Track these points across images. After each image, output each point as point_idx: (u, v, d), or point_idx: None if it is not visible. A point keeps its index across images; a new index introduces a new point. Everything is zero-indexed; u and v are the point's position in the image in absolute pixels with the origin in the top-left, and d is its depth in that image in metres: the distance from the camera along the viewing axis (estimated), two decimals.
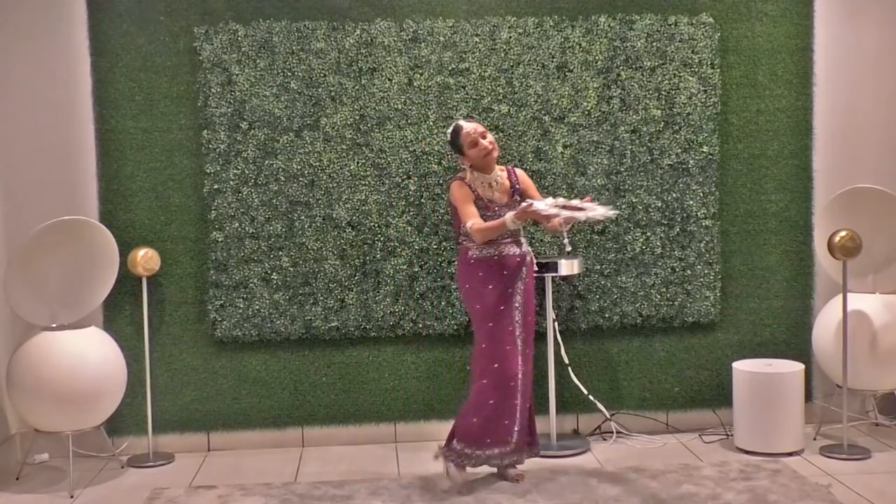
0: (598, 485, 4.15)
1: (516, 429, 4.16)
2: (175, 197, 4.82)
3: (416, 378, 4.93)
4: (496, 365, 4.10)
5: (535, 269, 4.27)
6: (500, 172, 4.24)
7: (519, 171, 4.32)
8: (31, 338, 4.38)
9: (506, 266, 4.14)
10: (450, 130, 4.24)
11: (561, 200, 3.89)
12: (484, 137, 4.14)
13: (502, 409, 4.12)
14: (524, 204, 3.94)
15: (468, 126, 4.16)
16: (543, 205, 3.83)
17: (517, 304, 4.14)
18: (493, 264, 4.14)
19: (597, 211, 3.81)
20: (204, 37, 4.76)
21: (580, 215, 3.81)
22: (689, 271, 4.94)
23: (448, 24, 4.82)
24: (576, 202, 3.87)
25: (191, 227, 4.84)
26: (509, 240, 4.17)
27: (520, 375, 4.13)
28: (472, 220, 4.07)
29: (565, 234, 4.03)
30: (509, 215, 3.98)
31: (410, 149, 4.83)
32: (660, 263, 4.93)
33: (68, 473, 4.42)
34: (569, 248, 4.13)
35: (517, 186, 4.24)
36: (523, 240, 4.25)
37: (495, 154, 4.18)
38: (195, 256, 4.85)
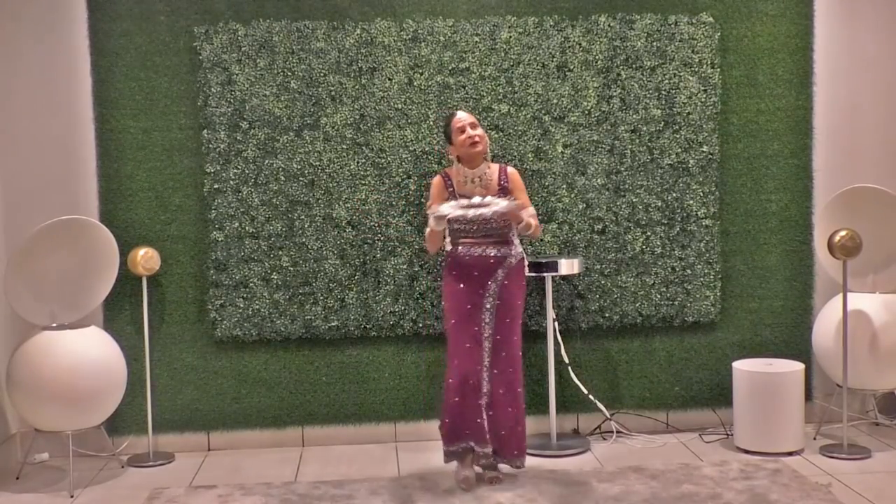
0: (598, 485, 4.15)
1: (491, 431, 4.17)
2: (175, 196, 4.82)
3: (416, 378, 4.93)
4: (456, 362, 4.14)
5: (527, 270, 4.33)
6: (489, 169, 4.24)
7: (511, 171, 4.30)
8: (31, 337, 4.38)
9: (476, 267, 4.17)
10: (445, 117, 4.34)
11: (464, 202, 4.05)
12: (474, 128, 4.18)
13: (467, 408, 4.12)
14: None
15: (460, 114, 4.24)
16: (448, 208, 4.03)
17: (488, 306, 4.17)
18: (464, 264, 4.19)
19: (499, 204, 3.99)
20: (204, 37, 4.76)
21: (486, 211, 3.98)
22: (689, 271, 4.94)
23: (448, 24, 4.82)
24: (477, 200, 4.02)
25: (191, 227, 4.84)
26: (490, 240, 4.18)
27: (483, 375, 4.14)
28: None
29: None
30: (431, 219, 4.08)
31: (410, 148, 4.83)
32: (660, 263, 4.93)
33: (68, 473, 4.42)
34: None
35: (505, 185, 4.24)
36: (515, 241, 4.24)
37: (479, 148, 4.19)
38: (195, 256, 4.85)
